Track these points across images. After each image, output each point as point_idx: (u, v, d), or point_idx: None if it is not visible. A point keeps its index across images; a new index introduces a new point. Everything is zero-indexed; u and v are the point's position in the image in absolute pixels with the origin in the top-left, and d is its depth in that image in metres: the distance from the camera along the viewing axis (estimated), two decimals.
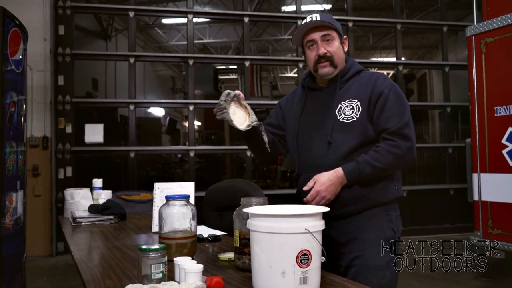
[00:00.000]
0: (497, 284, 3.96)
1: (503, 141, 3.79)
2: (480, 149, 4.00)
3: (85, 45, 6.30)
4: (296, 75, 7.35)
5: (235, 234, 1.37)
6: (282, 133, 1.94)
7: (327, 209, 1.21)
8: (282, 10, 7.32)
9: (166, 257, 1.20)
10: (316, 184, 1.62)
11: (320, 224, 1.16)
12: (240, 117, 1.66)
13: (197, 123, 7.15)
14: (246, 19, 5.99)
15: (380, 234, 1.66)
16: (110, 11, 6.22)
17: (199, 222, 1.95)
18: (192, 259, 1.31)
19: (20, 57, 3.18)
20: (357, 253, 1.65)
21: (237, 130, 1.66)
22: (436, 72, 7.53)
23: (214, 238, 1.86)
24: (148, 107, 7.22)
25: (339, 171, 1.63)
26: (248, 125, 1.65)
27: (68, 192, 2.75)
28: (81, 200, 2.69)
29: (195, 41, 6.40)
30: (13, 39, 3.03)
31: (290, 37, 6.35)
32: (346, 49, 1.82)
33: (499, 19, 3.84)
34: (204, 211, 2.46)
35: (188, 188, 1.98)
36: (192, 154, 5.77)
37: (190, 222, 1.51)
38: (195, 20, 6.01)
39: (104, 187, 2.78)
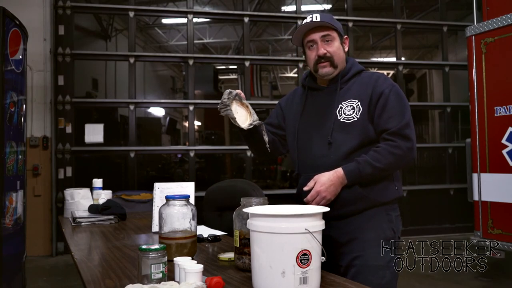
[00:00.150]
0: (497, 284, 3.96)
1: (503, 141, 3.79)
2: (480, 149, 4.00)
3: (85, 45, 6.30)
4: (296, 75, 7.35)
5: (235, 234, 1.37)
6: (283, 133, 1.94)
7: (327, 209, 1.21)
8: (282, 10, 7.32)
9: (166, 257, 1.20)
10: (316, 184, 1.63)
11: (320, 224, 1.16)
12: (242, 116, 1.66)
13: (197, 123, 7.14)
14: (246, 19, 5.99)
15: (380, 234, 1.66)
16: (110, 11, 6.21)
17: (199, 222, 1.95)
18: (192, 259, 1.31)
19: (20, 57, 3.18)
20: (357, 253, 1.65)
21: (239, 128, 1.66)
22: (436, 72, 7.52)
23: (214, 238, 1.86)
24: (148, 107, 7.22)
25: (339, 171, 1.63)
26: (250, 124, 1.65)
27: (68, 192, 2.75)
28: (81, 200, 2.69)
29: (195, 41, 6.40)
30: (13, 39, 3.03)
31: (290, 37, 6.35)
32: (346, 49, 1.82)
33: (499, 19, 3.84)
34: (204, 211, 2.46)
35: (188, 188, 1.98)
36: (192, 154, 5.77)
37: (190, 222, 1.51)
38: (195, 20, 6.01)
39: (104, 187, 2.78)
